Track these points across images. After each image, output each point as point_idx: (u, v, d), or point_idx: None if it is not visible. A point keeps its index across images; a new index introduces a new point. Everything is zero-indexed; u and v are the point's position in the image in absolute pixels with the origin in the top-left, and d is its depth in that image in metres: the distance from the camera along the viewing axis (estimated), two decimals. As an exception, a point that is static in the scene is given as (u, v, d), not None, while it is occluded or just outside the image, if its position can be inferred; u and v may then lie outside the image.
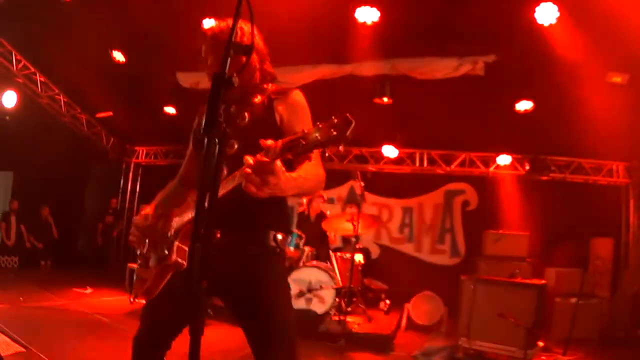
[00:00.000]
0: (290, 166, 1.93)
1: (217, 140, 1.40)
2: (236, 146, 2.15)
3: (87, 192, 13.61)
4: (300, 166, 1.99)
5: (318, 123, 1.59)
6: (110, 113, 10.77)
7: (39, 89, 9.94)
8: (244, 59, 2.09)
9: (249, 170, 1.68)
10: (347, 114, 1.54)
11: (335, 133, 1.53)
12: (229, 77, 1.47)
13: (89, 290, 8.43)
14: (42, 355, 4.44)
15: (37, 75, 9.78)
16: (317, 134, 1.56)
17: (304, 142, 1.58)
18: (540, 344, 5.76)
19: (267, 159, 1.65)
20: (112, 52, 8.41)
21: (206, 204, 1.37)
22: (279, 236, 2.29)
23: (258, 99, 2.30)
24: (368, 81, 7.86)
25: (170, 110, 9.99)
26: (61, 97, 10.52)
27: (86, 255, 12.76)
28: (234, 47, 1.56)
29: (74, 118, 11.06)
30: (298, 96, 2.34)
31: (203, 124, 1.41)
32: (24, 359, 4.38)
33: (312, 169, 2.05)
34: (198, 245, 1.36)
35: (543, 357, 5.61)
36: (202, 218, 1.34)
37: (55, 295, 7.64)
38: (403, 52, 7.39)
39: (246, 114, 2.25)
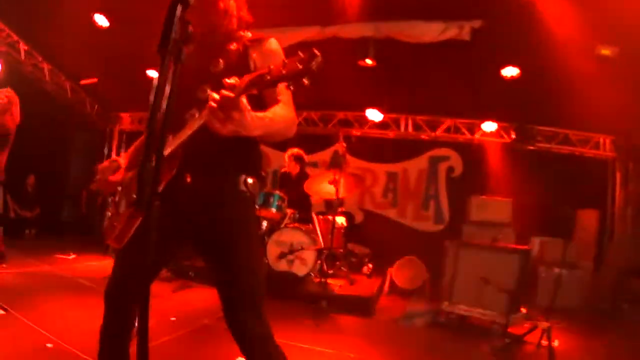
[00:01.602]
0: (260, 108, 1.92)
1: (172, 58, 1.34)
2: (209, 92, 2.12)
3: (71, 160, 13.42)
4: (270, 109, 1.97)
5: (284, 59, 1.58)
6: (95, 80, 10.62)
7: (22, 57, 9.76)
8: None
9: (214, 104, 1.66)
10: (314, 49, 1.52)
11: (300, 67, 1.52)
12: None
13: (72, 256, 8.38)
14: (21, 317, 4.39)
15: (20, 43, 9.59)
16: (282, 69, 1.55)
17: (268, 77, 1.58)
18: (523, 310, 5.78)
19: (231, 94, 1.64)
20: (94, 16, 8.24)
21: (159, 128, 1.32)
22: (250, 180, 2.25)
23: (233, 46, 2.26)
24: (352, 43, 7.74)
25: (154, 74, 9.80)
26: (45, 65, 10.35)
27: (71, 223, 12.66)
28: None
29: (58, 85, 10.89)
30: (273, 44, 2.29)
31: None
32: (2, 321, 4.32)
33: (280, 111, 2.03)
34: (149, 167, 1.30)
35: (525, 325, 5.62)
36: (155, 137, 1.28)
37: (38, 261, 7.57)
38: (387, 14, 7.28)
39: (221, 61, 2.21)
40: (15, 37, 9.40)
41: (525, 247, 6.20)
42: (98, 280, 6.36)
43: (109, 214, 2.44)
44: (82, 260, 8.19)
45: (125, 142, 12.84)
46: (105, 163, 2.43)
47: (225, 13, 2.25)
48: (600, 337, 6.01)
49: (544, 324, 4.95)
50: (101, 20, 8.30)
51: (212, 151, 2.02)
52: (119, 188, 2.42)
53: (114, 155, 2.68)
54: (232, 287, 2.16)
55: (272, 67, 1.58)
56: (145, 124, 1.35)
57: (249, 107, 1.72)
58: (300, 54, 1.53)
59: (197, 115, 2.04)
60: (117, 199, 2.41)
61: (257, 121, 1.81)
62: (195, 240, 2.29)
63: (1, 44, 9.17)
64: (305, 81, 1.53)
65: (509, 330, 5.42)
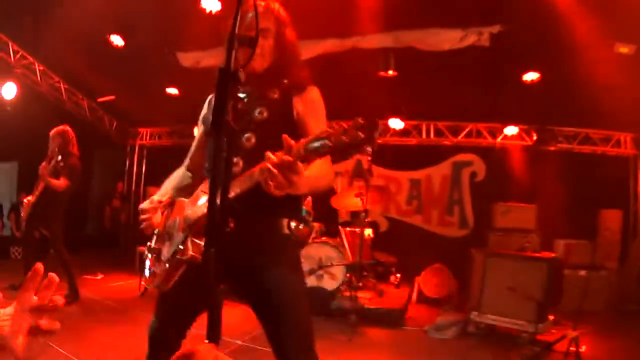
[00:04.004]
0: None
1: (225, 139, 1.35)
2: (253, 140, 2.14)
3: (93, 177, 13.48)
4: (312, 164, 1.95)
5: (342, 124, 1.53)
6: (113, 97, 10.68)
7: (39, 78, 9.79)
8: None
9: (273, 169, 1.62)
10: (374, 117, 1.47)
11: (363, 135, 1.45)
12: (234, 71, 1.39)
13: (99, 277, 8.45)
14: (53, 345, 4.40)
15: (36, 64, 9.61)
16: (343, 136, 1.46)
17: (330, 144, 1.49)
18: (551, 317, 5.77)
19: (290, 158, 1.58)
20: (109, 36, 8.27)
21: (218, 202, 1.33)
22: (293, 224, 2.26)
23: (275, 93, 2.26)
24: (372, 54, 7.68)
25: (172, 91, 9.86)
26: (61, 85, 10.39)
27: (95, 240, 12.69)
28: (238, 38, 1.46)
29: (76, 104, 10.91)
30: (315, 93, 2.31)
31: (210, 122, 1.37)
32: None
33: (324, 167, 2.00)
34: (212, 251, 1.32)
35: (553, 331, 5.60)
36: (215, 218, 1.30)
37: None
38: (405, 23, 7.23)
39: (264, 109, 2.20)
40: (31, 59, 9.44)
41: (553, 255, 6.18)
42: (126, 301, 6.42)
43: (147, 260, 2.42)
44: (109, 280, 8.25)
45: (146, 157, 12.90)
46: (147, 203, 2.36)
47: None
48: (627, 341, 5.96)
49: (572, 333, 4.91)
50: (117, 40, 8.31)
51: (255, 196, 1.92)
52: (155, 232, 2.41)
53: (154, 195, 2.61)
54: (281, 332, 2.15)
55: (330, 131, 1.50)
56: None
57: (304, 170, 1.66)
58: (360, 120, 1.45)
59: (240, 164, 2.05)
60: (154, 244, 2.40)
61: (307, 182, 1.76)
62: (237, 284, 2.28)
63: (16, 66, 9.24)
64: (369, 150, 1.48)
65: (538, 338, 5.41)
